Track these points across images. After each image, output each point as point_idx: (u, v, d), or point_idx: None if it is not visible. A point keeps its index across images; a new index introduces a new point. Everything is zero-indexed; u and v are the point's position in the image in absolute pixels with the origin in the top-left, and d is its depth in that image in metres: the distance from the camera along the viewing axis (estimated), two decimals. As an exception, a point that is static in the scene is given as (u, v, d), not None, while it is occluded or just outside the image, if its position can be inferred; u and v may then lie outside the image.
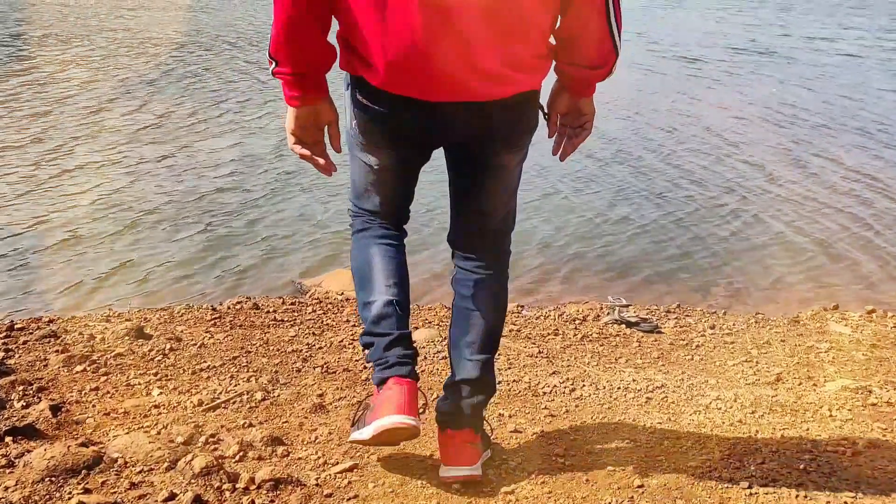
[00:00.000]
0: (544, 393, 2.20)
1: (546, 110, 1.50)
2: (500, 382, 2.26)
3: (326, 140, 1.46)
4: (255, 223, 4.43)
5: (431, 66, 1.28)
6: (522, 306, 3.51)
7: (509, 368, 2.39)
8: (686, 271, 4.27)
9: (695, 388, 2.34)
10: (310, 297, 3.32)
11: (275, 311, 2.95)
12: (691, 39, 12.63)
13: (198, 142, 6.03)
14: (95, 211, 4.37)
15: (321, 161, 1.43)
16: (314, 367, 2.29)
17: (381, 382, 1.47)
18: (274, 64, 1.32)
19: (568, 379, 2.32)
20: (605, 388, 2.28)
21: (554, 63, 1.44)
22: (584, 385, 2.28)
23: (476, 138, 1.43)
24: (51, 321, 2.73)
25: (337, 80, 1.44)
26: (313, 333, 2.64)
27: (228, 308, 2.97)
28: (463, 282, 1.60)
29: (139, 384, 2.02)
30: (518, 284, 4.04)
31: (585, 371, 2.43)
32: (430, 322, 2.89)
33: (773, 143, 6.66)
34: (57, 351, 2.22)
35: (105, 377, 2.05)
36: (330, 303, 3.13)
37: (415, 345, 1.57)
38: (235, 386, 2.06)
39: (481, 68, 1.30)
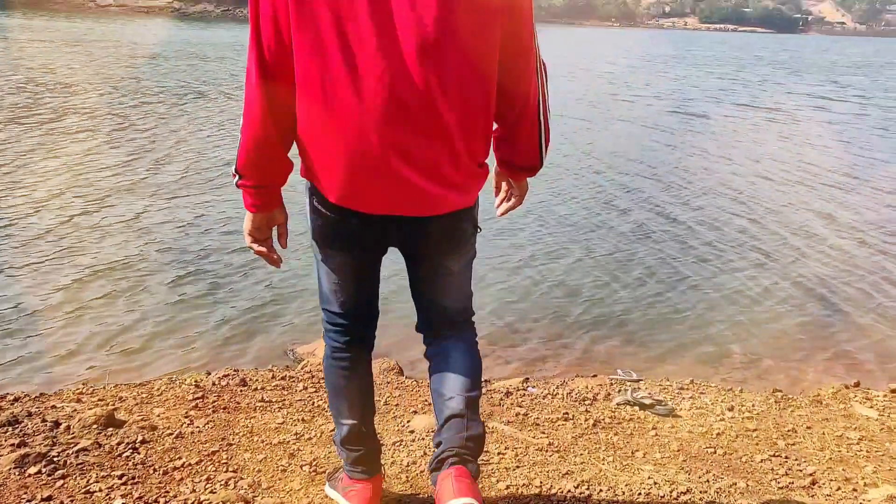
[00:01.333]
0: (558, 502, 1.96)
1: (481, 228, 1.62)
2: (508, 486, 2.03)
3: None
4: (254, 285, 4.30)
5: (366, 187, 1.40)
6: (527, 379, 3.26)
7: (518, 468, 2.15)
8: (697, 339, 4.07)
9: (723, 493, 2.11)
10: (301, 368, 3.10)
11: (263, 389, 2.73)
12: (695, 95, 12.67)
13: (214, 199, 5.96)
14: (99, 275, 4.28)
15: (274, 256, 1.58)
16: (301, 465, 2.05)
17: (351, 478, 1.77)
18: (238, 177, 1.46)
19: (583, 482, 2.08)
20: (623, 493, 2.04)
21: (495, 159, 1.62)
22: (600, 490, 2.05)
23: (416, 247, 1.56)
24: (16, 399, 2.51)
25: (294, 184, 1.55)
26: (302, 420, 2.41)
27: (214, 384, 2.75)
28: (435, 358, 1.66)
29: (99, 491, 1.78)
30: (524, 351, 3.83)
31: (601, 470, 2.20)
32: (430, 404, 2.66)
33: (811, 206, 6.52)
34: (13, 445, 1.99)
35: (62, 482, 1.80)
36: (322, 378, 2.90)
37: (379, 439, 1.82)
38: (211, 493, 1.82)
39: (417, 188, 1.39)
